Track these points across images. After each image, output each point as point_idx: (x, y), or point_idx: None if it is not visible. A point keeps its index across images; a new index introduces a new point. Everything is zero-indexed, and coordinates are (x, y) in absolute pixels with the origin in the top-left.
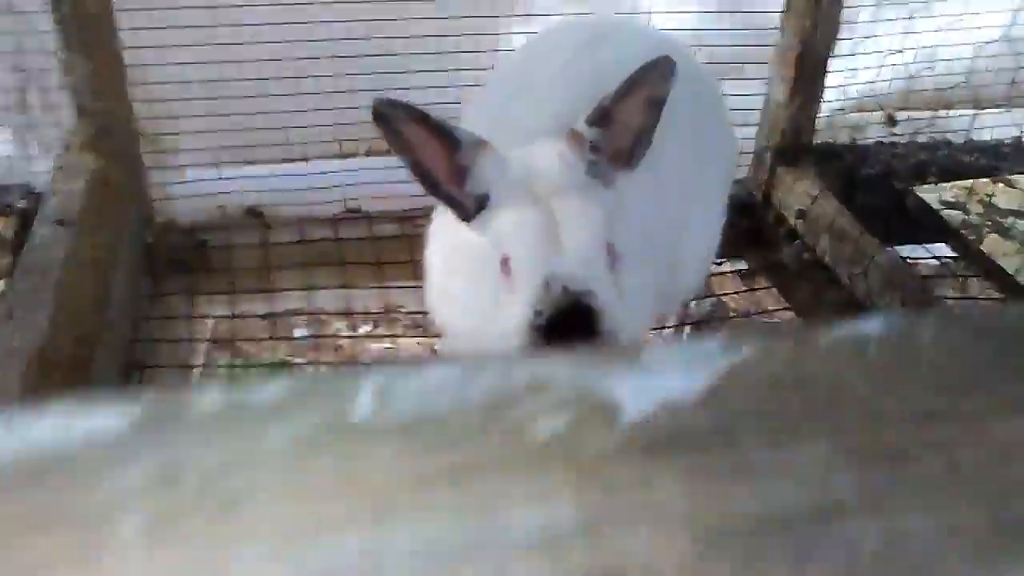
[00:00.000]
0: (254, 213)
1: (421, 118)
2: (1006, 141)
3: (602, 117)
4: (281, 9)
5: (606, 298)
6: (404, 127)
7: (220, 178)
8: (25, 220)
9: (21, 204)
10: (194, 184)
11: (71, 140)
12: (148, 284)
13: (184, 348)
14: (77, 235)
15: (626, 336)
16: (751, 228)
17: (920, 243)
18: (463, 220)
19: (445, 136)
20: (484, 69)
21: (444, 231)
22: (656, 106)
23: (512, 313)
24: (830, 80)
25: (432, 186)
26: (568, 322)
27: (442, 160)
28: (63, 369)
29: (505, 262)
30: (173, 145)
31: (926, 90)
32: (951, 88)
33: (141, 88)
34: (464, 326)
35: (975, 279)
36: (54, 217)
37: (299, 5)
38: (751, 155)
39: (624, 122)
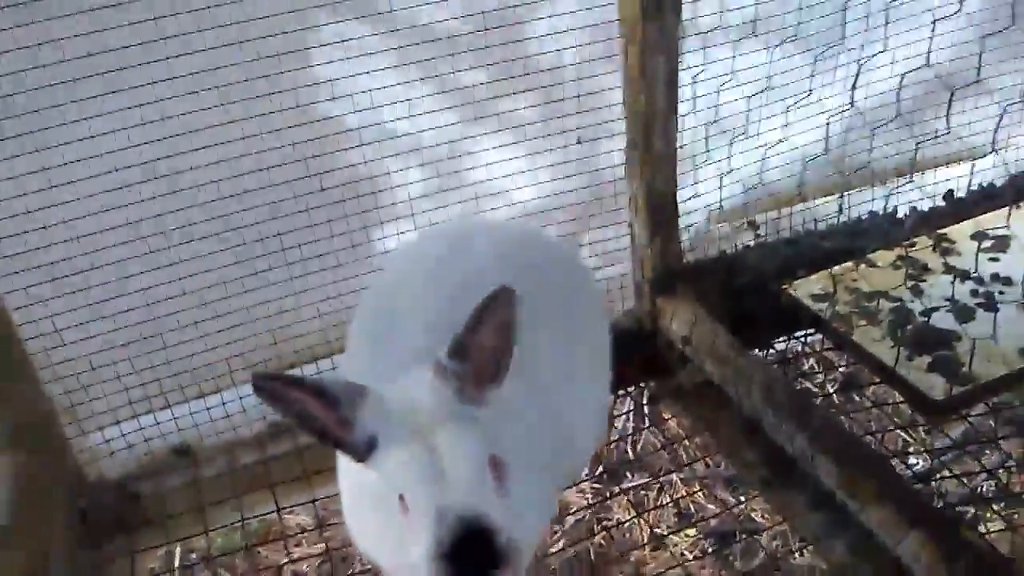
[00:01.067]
0: (181, 452)
1: (299, 385)
2: (862, 219)
3: (460, 350)
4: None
5: (498, 514)
6: (282, 394)
7: (141, 428)
8: None
9: None
10: (117, 440)
11: None
12: (87, 555)
13: None
14: (7, 548)
15: (525, 537)
16: (646, 357)
17: (798, 337)
18: (358, 461)
19: (324, 396)
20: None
21: (348, 468)
22: (509, 329)
23: (415, 547)
24: (693, 200)
25: (323, 437)
26: (467, 548)
27: (327, 416)
28: None
29: (401, 499)
30: (88, 411)
31: (779, 193)
32: (803, 182)
33: (47, 368)
34: (376, 555)
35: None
36: None
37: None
38: (633, 289)
39: (482, 348)
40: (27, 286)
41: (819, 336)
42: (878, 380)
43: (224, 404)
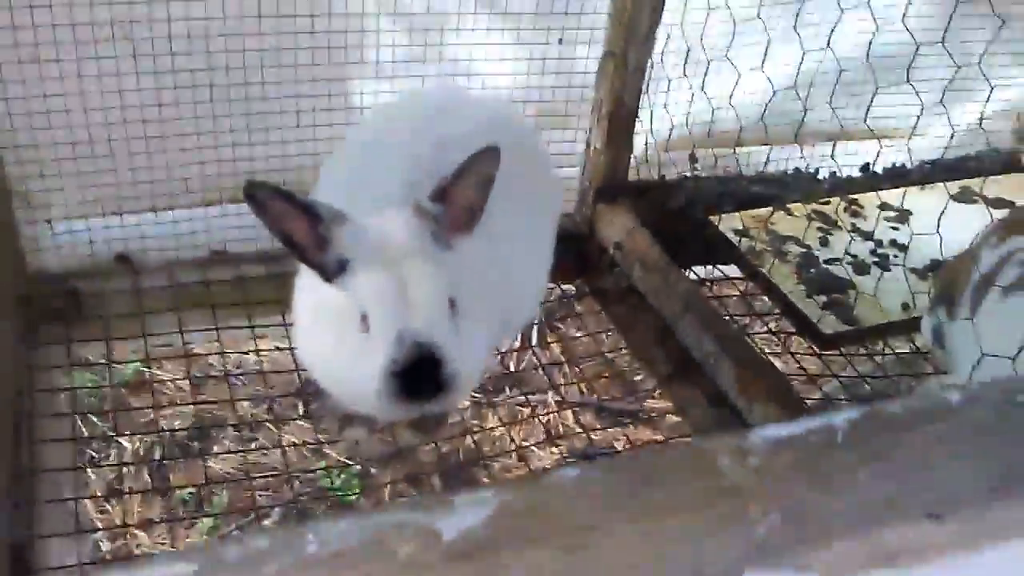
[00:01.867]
0: (123, 259)
1: (287, 198)
2: (788, 172)
3: (442, 195)
4: (147, 65)
5: (449, 348)
6: (271, 205)
7: (89, 229)
8: None
9: None
10: (65, 235)
11: None
12: (27, 336)
13: (64, 397)
14: None
15: (466, 375)
16: (578, 257)
17: (716, 265)
18: (325, 280)
19: (309, 212)
20: (337, 124)
21: (308, 286)
22: (487, 184)
23: (370, 362)
24: (642, 124)
25: (299, 253)
26: (418, 370)
27: (306, 232)
28: None
29: (364, 318)
30: (44, 200)
31: (724, 131)
32: (745, 128)
33: (11, 148)
34: (328, 371)
35: (760, 297)
36: None
37: (163, 61)
38: (577, 193)
39: (460, 198)
40: (9, 59)
41: (734, 267)
42: (779, 311)
43: (174, 223)
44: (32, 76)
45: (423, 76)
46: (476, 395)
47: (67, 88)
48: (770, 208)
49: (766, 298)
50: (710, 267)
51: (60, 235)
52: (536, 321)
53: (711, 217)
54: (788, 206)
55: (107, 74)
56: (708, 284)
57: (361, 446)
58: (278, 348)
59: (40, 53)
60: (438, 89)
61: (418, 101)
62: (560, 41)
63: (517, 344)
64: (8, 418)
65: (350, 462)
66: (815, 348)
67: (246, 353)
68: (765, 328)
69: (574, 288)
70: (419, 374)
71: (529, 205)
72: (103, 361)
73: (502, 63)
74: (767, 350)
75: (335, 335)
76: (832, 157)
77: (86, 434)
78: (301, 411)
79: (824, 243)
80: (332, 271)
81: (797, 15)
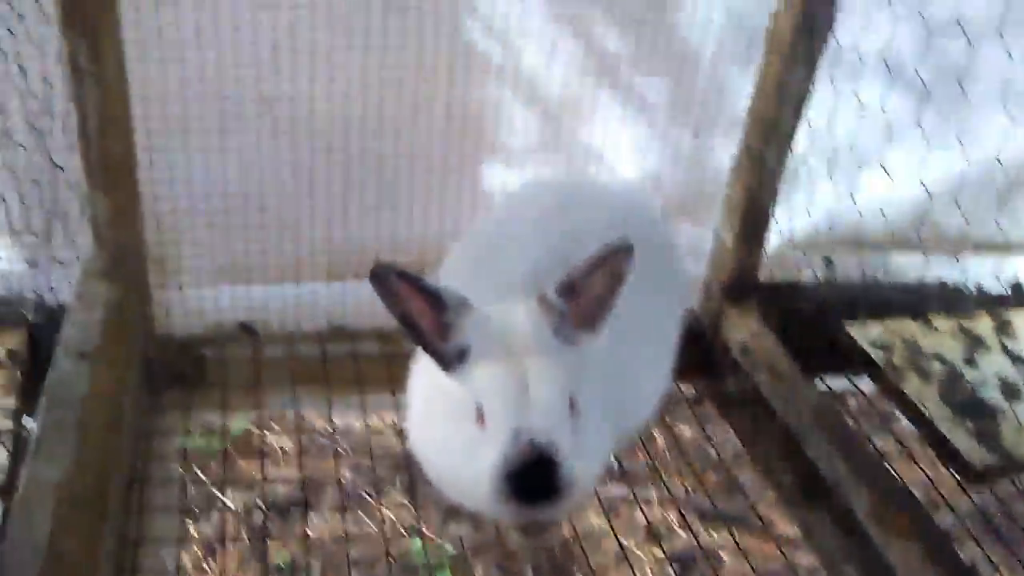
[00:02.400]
0: (247, 328)
1: (413, 282)
2: (930, 284)
3: (569, 288)
4: (284, 141)
5: (567, 450)
6: (396, 287)
7: (216, 297)
8: (34, 335)
9: (33, 318)
10: (194, 301)
11: (88, 267)
12: (148, 399)
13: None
14: (96, 367)
15: (585, 479)
16: (700, 357)
17: (848, 376)
18: (444, 370)
19: (434, 299)
20: (465, 206)
21: (425, 372)
22: (618, 281)
23: (484, 459)
24: (779, 223)
25: (419, 338)
26: (534, 472)
27: (429, 318)
28: (85, 501)
29: (480, 412)
30: (176, 266)
31: (864, 236)
32: (887, 234)
33: (152, 215)
34: (438, 463)
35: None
36: (74, 348)
37: (301, 137)
38: (703, 289)
39: (588, 293)
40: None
41: (869, 381)
42: (921, 434)
43: (298, 295)
44: (176, 146)
45: (551, 162)
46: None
47: (209, 161)
48: (911, 320)
49: (902, 416)
50: (843, 379)
51: (189, 301)
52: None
53: (847, 324)
54: (931, 320)
55: (247, 146)
56: (840, 397)
57: (464, 541)
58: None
59: (188, 124)
60: (568, 176)
61: (547, 188)
62: (696, 135)
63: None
64: (122, 484)
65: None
66: (960, 481)
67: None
68: (901, 449)
69: (694, 390)
70: (534, 476)
71: (657, 301)
72: (215, 425)
73: (634, 153)
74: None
75: (449, 427)
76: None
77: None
78: (402, 488)
79: (970, 363)
80: (451, 360)
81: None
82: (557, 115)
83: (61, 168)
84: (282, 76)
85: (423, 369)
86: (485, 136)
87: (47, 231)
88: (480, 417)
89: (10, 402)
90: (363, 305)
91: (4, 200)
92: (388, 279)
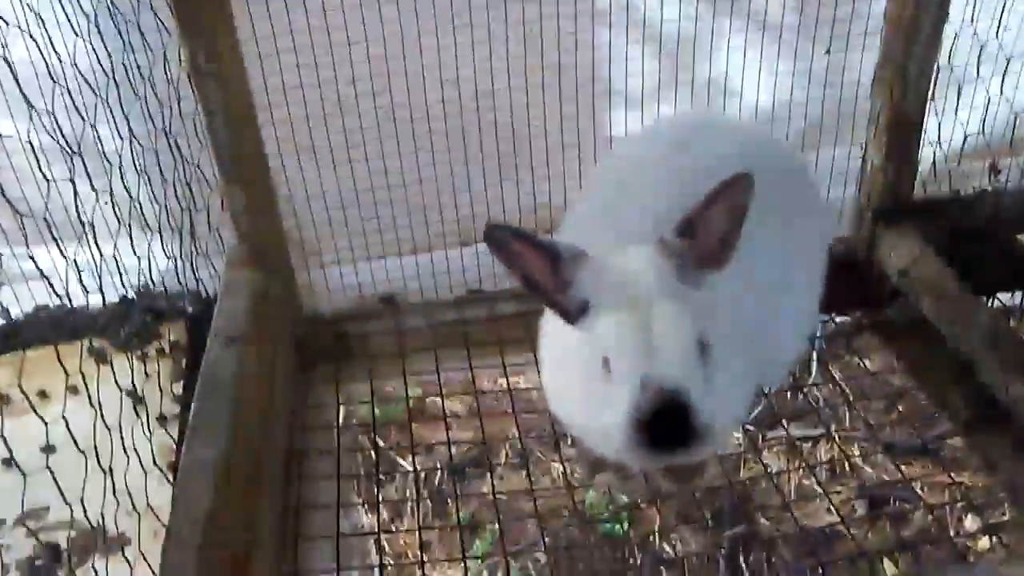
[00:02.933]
0: (388, 301)
1: (527, 239)
2: None
3: (688, 228)
4: (404, 117)
5: (698, 394)
6: (512, 246)
7: (356, 273)
8: (193, 325)
9: (192, 310)
10: (335, 279)
11: (232, 258)
12: (301, 376)
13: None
14: (244, 351)
15: (720, 422)
16: (855, 286)
17: None
18: (568, 323)
19: (548, 253)
20: (587, 159)
21: (552, 328)
22: (739, 215)
23: (613, 411)
24: (931, 132)
25: (540, 295)
26: (664, 419)
27: (546, 273)
28: (241, 478)
29: (606, 362)
30: (315, 248)
31: None
32: None
33: (290, 201)
34: (572, 415)
35: None
36: (225, 335)
37: (419, 118)
38: (852, 214)
39: (709, 231)
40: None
41: None
42: None
43: (433, 264)
44: (303, 136)
45: (676, 101)
46: (749, 428)
47: (334, 147)
48: None
49: None
50: (1017, 294)
51: (331, 280)
52: (811, 357)
53: (1020, 235)
54: None
55: (369, 131)
56: (1016, 314)
57: (614, 492)
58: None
59: (312, 114)
60: (687, 115)
61: (666, 129)
62: (828, 51)
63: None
64: (279, 457)
65: (619, 494)
66: None
67: (525, 389)
68: None
69: (850, 320)
70: (666, 423)
71: (791, 234)
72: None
73: (763, 80)
74: None
75: (578, 379)
76: None
77: (368, 461)
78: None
79: None
80: (573, 313)
81: None
82: (674, 51)
83: (198, 167)
84: (393, 58)
85: (550, 325)
86: (602, 83)
87: (192, 227)
88: (606, 368)
89: (177, 388)
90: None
91: (158, 201)
92: (501, 238)
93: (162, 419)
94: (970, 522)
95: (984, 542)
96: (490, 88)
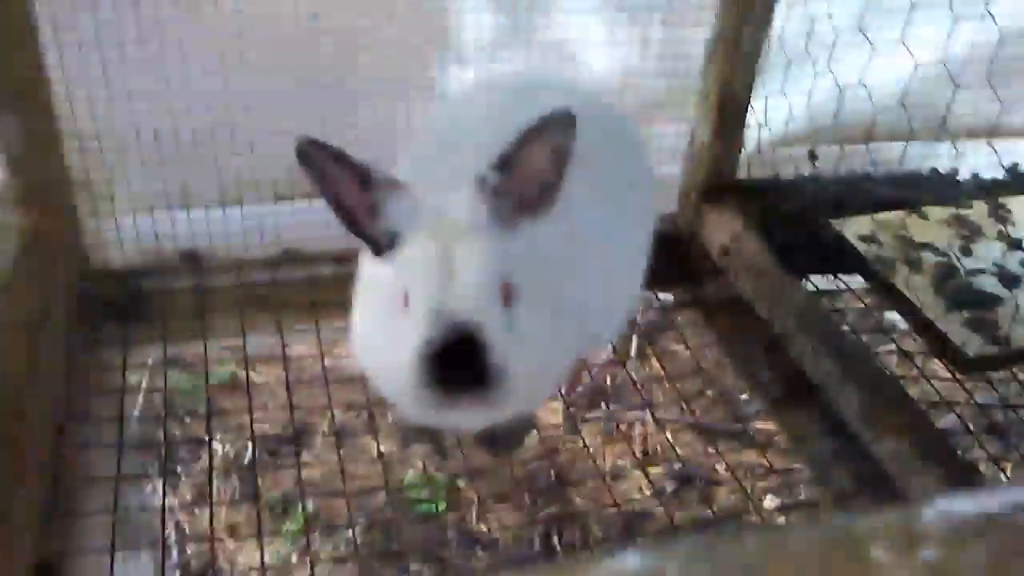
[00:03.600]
0: (190, 256)
1: (337, 156)
2: (924, 172)
3: (505, 164)
4: (215, 55)
5: (494, 333)
6: (324, 165)
7: (154, 223)
8: None
9: None
10: (129, 230)
11: (3, 196)
12: (82, 335)
13: (118, 398)
14: (8, 298)
15: (520, 371)
16: (677, 262)
17: (835, 275)
18: (376, 255)
19: (359, 174)
20: (420, 114)
21: (365, 266)
22: (560, 157)
23: (405, 342)
24: (756, 115)
25: (350, 222)
26: (456, 354)
27: (358, 198)
28: None
29: (405, 296)
30: (107, 192)
31: (851, 125)
32: (876, 120)
33: (75, 138)
34: (368, 356)
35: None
36: None
37: (233, 50)
38: (678, 191)
39: (528, 170)
40: (69, 42)
41: (858, 277)
42: (911, 327)
43: (243, 219)
44: (93, 60)
45: (513, 61)
46: (570, 407)
47: (130, 77)
48: (902, 212)
49: (895, 313)
50: (830, 277)
51: (125, 230)
52: (631, 333)
53: (832, 221)
54: (923, 210)
55: (173, 59)
56: (827, 296)
57: (429, 465)
58: None
59: (101, 32)
60: (522, 71)
61: (500, 83)
62: (663, 22)
63: (610, 357)
64: (46, 422)
65: (437, 473)
66: (954, 372)
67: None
68: (892, 347)
69: (672, 297)
70: (456, 357)
71: (621, 199)
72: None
73: (599, 47)
74: (894, 372)
75: (379, 316)
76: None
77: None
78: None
79: (966, 252)
80: (382, 244)
81: None
82: (513, 8)
83: None
84: None
85: (363, 264)
86: (439, 35)
87: None
88: (405, 302)
89: None
90: (317, 227)
91: None
92: (313, 154)
93: None
94: (769, 501)
95: (782, 520)
96: (315, 26)
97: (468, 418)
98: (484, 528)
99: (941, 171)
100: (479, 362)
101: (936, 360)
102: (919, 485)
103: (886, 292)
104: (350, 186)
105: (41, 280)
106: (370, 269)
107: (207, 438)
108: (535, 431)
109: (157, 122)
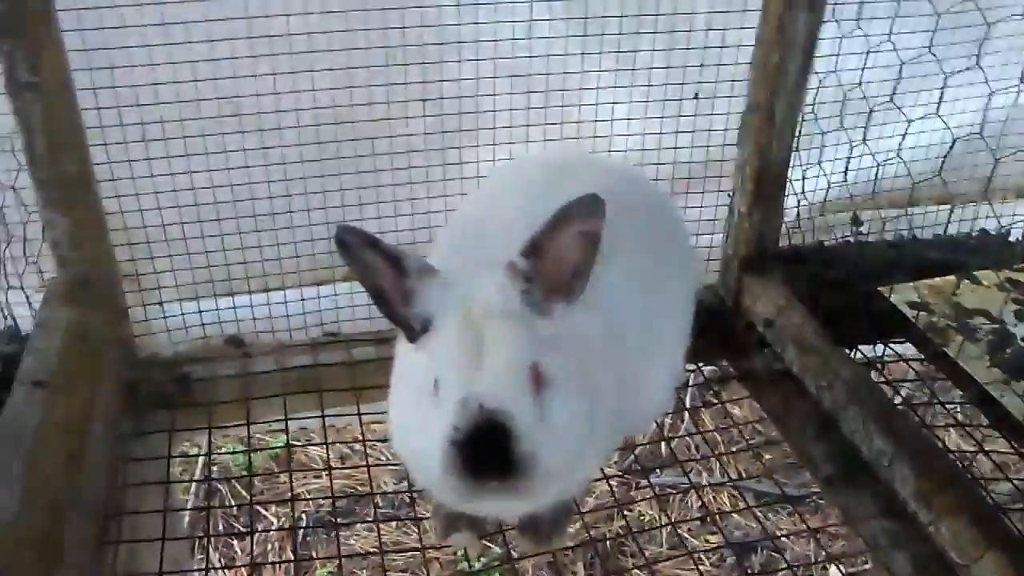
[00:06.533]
0: (235, 342)
1: (373, 243)
2: (972, 235)
3: (534, 249)
4: (254, 144)
5: (524, 421)
6: (360, 252)
7: (200, 311)
8: (4, 368)
9: (5, 350)
10: (175, 318)
11: (51, 291)
12: (129, 425)
13: (164, 489)
14: (53, 395)
15: (551, 458)
16: (721, 334)
17: (886, 344)
18: (410, 341)
19: (394, 260)
20: (453, 196)
21: (401, 351)
22: (590, 241)
23: (435, 430)
24: (795, 184)
25: (386, 308)
26: (484, 442)
27: (393, 284)
28: (35, 542)
29: (437, 384)
30: (153, 283)
31: (893, 190)
32: (918, 183)
33: (120, 231)
34: (402, 442)
35: (941, 382)
36: (31, 378)
37: (271, 136)
38: (719, 262)
39: (558, 256)
40: (114, 142)
41: (909, 346)
42: (968, 400)
43: (286, 303)
44: (138, 155)
45: (545, 141)
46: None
47: (174, 168)
48: (953, 277)
49: (951, 383)
50: (880, 347)
51: (171, 319)
52: (679, 407)
53: (880, 288)
54: (975, 274)
55: (214, 150)
56: (877, 366)
57: (470, 552)
58: None
59: (147, 132)
60: (557, 151)
61: (534, 163)
62: (696, 96)
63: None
64: (92, 515)
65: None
66: (1015, 446)
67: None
68: (951, 420)
69: (717, 370)
70: (484, 444)
71: (660, 281)
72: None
73: (632, 123)
74: (952, 446)
75: (413, 402)
76: None
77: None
78: None
79: (1021, 317)
80: (415, 329)
81: (980, 46)
82: (542, 89)
83: (13, 188)
84: (241, 71)
85: (399, 349)
86: (466, 119)
87: (5, 257)
88: (436, 388)
89: None
90: (356, 310)
91: None
92: (351, 242)
93: None
94: (833, 572)
95: None
96: (350, 115)
97: (502, 506)
98: None
99: (990, 232)
100: (507, 450)
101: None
102: (981, 574)
103: (940, 361)
104: (385, 272)
105: (88, 373)
106: (405, 355)
107: (250, 530)
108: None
109: (200, 213)
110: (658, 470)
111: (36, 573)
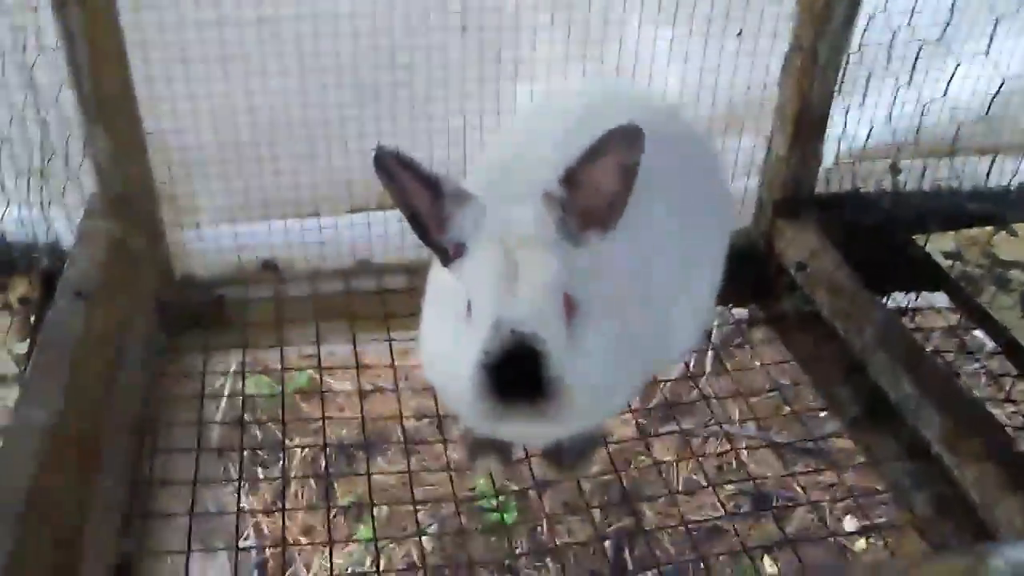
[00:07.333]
0: (269, 266)
1: (411, 165)
2: (1012, 188)
3: (571, 179)
4: (293, 69)
5: (555, 346)
6: (398, 174)
7: (236, 234)
8: (46, 279)
9: (46, 264)
10: (211, 240)
11: (92, 207)
12: (164, 341)
13: (198, 404)
14: (94, 307)
15: (580, 384)
16: (752, 277)
17: (918, 293)
18: (444, 265)
19: (431, 184)
20: (490, 129)
21: (434, 276)
22: (627, 172)
23: (467, 353)
24: (835, 128)
25: (421, 231)
26: (514, 364)
27: (429, 207)
28: (74, 444)
29: (469, 306)
30: (191, 204)
31: (936, 137)
32: (960, 134)
33: (160, 151)
34: (432, 365)
35: (973, 331)
36: (74, 288)
37: (312, 62)
38: (754, 205)
39: (595, 185)
40: (157, 60)
41: (942, 295)
42: (999, 348)
43: (320, 230)
44: (178, 76)
45: (585, 76)
46: (642, 421)
47: (213, 89)
48: (990, 228)
49: (981, 333)
50: (912, 295)
51: (208, 241)
52: (706, 348)
53: (916, 237)
54: (1012, 226)
55: (254, 73)
56: (909, 314)
57: (496, 477)
58: None
59: (187, 53)
60: (597, 83)
61: (573, 94)
62: (739, 34)
63: (683, 372)
64: (123, 425)
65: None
66: None
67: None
68: (980, 368)
69: (747, 312)
70: (515, 367)
71: (694, 216)
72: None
73: (673, 59)
74: (980, 394)
75: (444, 326)
76: None
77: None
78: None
79: None
80: (450, 253)
81: None
82: (585, 22)
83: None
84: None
85: (432, 273)
86: (506, 50)
87: (48, 172)
88: (469, 311)
89: (23, 347)
90: (389, 238)
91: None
92: (389, 165)
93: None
94: (849, 522)
95: (862, 543)
96: (390, 44)
97: (529, 431)
98: (554, 541)
99: None
100: (537, 374)
101: None
102: (1003, 515)
103: (972, 311)
104: (422, 196)
105: (127, 288)
106: (438, 279)
107: (284, 443)
108: (605, 448)
109: (239, 136)
110: (676, 419)
111: (78, 477)
